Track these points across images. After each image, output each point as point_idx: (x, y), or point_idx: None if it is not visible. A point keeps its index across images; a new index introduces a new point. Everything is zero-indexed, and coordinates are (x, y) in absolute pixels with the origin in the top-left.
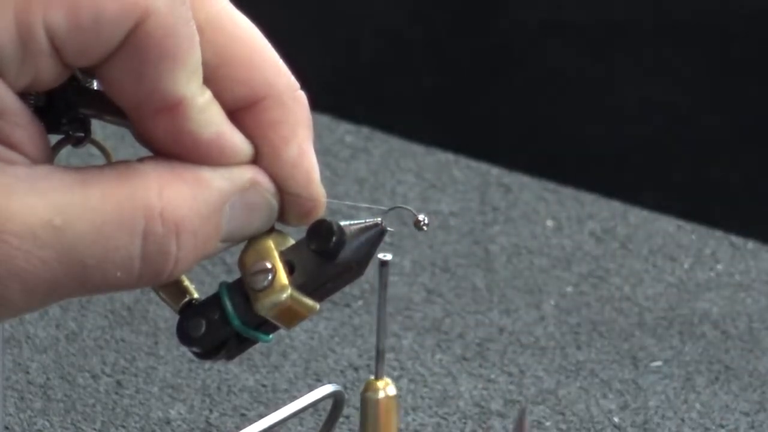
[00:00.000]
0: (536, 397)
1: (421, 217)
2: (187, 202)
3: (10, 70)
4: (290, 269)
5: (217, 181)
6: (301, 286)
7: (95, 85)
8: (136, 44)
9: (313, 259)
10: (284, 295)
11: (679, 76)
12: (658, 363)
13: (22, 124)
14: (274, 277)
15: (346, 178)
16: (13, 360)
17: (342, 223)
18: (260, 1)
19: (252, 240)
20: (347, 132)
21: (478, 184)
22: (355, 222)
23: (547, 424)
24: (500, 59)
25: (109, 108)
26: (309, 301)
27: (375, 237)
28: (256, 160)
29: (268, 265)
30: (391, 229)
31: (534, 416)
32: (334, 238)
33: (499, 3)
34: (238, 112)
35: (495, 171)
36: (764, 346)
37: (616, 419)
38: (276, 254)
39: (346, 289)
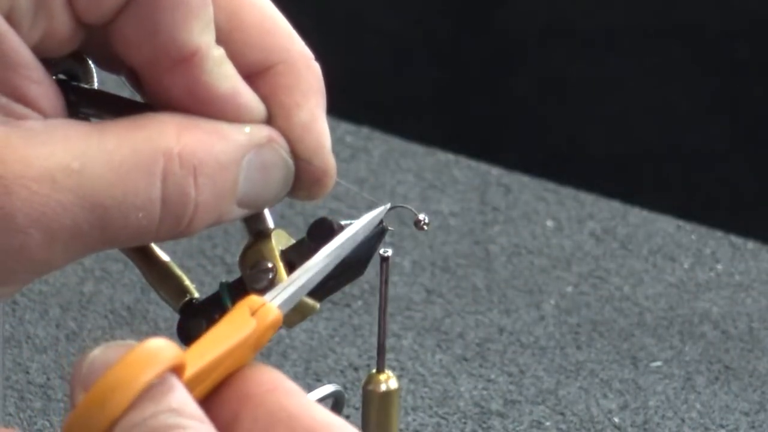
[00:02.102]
0: (536, 397)
1: (421, 216)
2: (205, 148)
3: (23, 19)
4: (291, 268)
5: (235, 134)
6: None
7: (95, 85)
8: None
9: None
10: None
11: (679, 77)
12: (658, 363)
13: (38, 80)
14: (274, 276)
15: (346, 178)
16: (13, 360)
17: (342, 222)
18: None
19: (253, 239)
20: (347, 132)
21: (478, 184)
22: (356, 221)
23: (547, 424)
24: (501, 60)
25: (109, 108)
26: (309, 301)
27: (375, 236)
28: (268, 122)
29: (269, 265)
30: (392, 228)
31: (534, 416)
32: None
33: (500, 5)
34: (250, 77)
35: (495, 171)
36: (764, 346)
37: (616, 419)
38: (276, 253)
39: (346, 289)
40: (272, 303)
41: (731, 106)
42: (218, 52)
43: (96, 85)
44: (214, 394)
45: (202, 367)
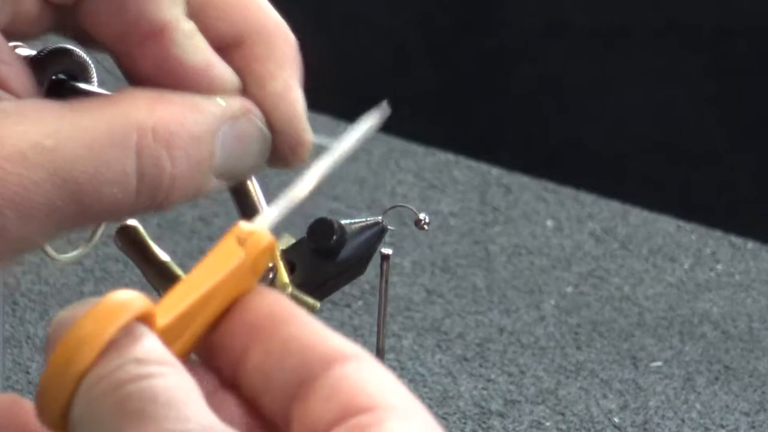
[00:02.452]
0: (536, 397)
1: (421, 216)
2: (179, 120)
3: None
4: (291, 268)
5: (209, 106)
6: (301, 285)
7: (95, 84)
8: None
9: (314, 258)
10: (285, 294)
11: (679, 76)
12: (658, 363)
13: (8, 61)
14: (274, 276)
15: (346, 178)
16: (13, 360)
17: (342, 222)
18: None
19: None
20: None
21: (478, 184)
22: (356, 221)
23: (547, 424)
24: (500, 60)
25: None
26: (310, 300)
27: (375, 235)
28: (243, 93)
29: (269, 264)
30: (392, 228)
31: (534, 416)
32: (334, 237)
33: (499, 5)
34: (224, 50)
35: (495, 171)
36: (764, 346)
37: (616, 419)
38: (277, 253)
39: (346, 288)
40: (262, 228)
41: (731, 106)
42: (188, 26)
43: (96, 85)
44: (221, 328)
45: (187, 307)
